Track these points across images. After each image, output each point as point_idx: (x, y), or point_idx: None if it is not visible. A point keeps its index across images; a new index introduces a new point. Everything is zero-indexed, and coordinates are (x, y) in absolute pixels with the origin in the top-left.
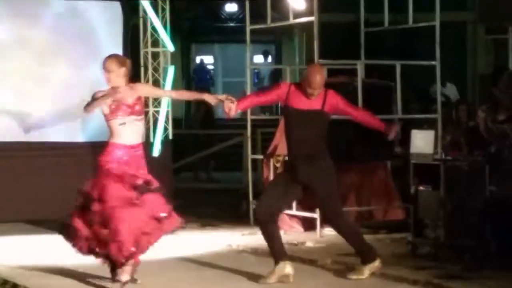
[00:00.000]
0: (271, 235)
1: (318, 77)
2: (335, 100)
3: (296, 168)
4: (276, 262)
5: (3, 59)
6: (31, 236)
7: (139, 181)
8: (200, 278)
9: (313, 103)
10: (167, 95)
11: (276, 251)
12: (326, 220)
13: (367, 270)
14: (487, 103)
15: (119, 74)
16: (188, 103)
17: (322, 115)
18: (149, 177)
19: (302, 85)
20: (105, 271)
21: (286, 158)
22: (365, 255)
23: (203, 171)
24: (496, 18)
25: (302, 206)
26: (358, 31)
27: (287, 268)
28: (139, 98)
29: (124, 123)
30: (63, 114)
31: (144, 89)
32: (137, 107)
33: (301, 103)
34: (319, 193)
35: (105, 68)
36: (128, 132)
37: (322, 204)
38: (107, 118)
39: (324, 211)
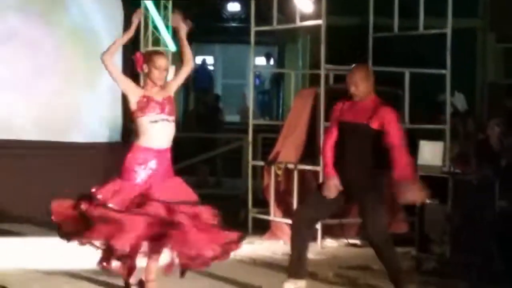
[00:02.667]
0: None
1: (355, 73)
2: (387, 118)
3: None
4: (291, 276)
5: None
6: (27, 239)
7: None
8: None
9: (361, 115)
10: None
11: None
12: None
13: None
14: (499, 117)
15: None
16: (186, 104)
17: (366, 129)
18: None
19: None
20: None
21: (288, 166)
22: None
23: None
24: (507, 26)
25: None
26: (366, 35)
27: (300, 281)
28: (169, 97)
29: (156, 121)
30: (59, 113)
31: (172, 85)
32: (168, 107)
33: (350, 115)
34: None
35: (162, 67)
36: (158, 133)
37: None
38: (136, 115)
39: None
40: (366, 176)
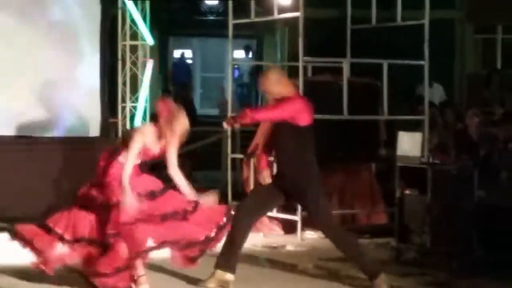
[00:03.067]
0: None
1: (265, 80)
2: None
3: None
4: (219, 267)
5: None
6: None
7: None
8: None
9: None
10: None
11: (230, 258)
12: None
13: None
14: (478, 107)
15: None
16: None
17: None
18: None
19: None
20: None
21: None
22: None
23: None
24: (485, 17)
25: (283, 208)
26: (344, 27)
27: (228, 275)
28: (163, 149)
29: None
30: (35, 106)
31: (172, 148)
32: (158, 154)
33: None
34: None
35: (178, 132)
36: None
37: None
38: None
39: None
40: (299, 173)
